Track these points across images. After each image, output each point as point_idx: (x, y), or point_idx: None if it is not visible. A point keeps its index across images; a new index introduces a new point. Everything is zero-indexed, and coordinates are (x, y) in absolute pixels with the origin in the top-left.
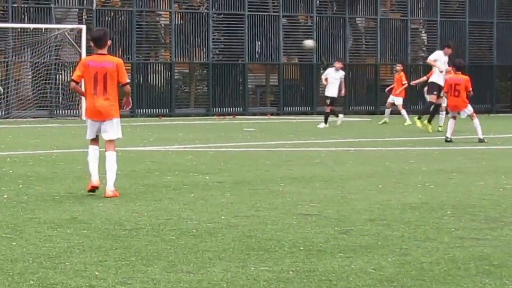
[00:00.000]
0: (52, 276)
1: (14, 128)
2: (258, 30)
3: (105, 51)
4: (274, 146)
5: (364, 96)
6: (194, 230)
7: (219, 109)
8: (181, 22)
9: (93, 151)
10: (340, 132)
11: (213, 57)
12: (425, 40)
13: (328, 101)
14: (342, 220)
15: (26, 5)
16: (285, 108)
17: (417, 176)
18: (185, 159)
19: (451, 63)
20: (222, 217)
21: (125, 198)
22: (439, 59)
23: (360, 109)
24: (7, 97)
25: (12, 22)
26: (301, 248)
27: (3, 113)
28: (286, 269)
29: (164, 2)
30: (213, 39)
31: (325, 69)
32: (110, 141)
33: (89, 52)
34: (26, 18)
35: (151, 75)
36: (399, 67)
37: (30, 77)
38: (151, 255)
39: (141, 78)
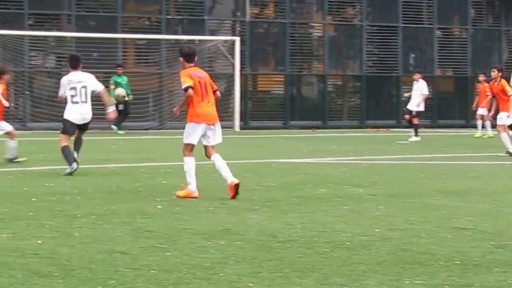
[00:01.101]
0: (206, 287)
1: (168, 139)
2: (412, 42)
3: (193, 64)
4: (428, 159)
5: None
6: (348, 243)
7: (372, 121)
8: (334, 34)
9: (193, 162)
10: (495, 146)
11: (367, 69)
12: None
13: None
14: (498, 235)
15: (179, 17)
16: (439, 120)
17: None
18: (339, 172)
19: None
20: (376, 230)
21: (278, 209)
22: None
23: None
24: (160, 108)
25: (166, 34)
26: (457, 262)
27: (157, 124)
28: (441, 284)
29: (317, 14)
30: (366, 51)
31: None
32: (213, 146)
33: (242, 63)
34: (179, 30)
35: (304, 87)
36: (482, 77)
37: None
38: (305, 267)
39: (295, 90)
